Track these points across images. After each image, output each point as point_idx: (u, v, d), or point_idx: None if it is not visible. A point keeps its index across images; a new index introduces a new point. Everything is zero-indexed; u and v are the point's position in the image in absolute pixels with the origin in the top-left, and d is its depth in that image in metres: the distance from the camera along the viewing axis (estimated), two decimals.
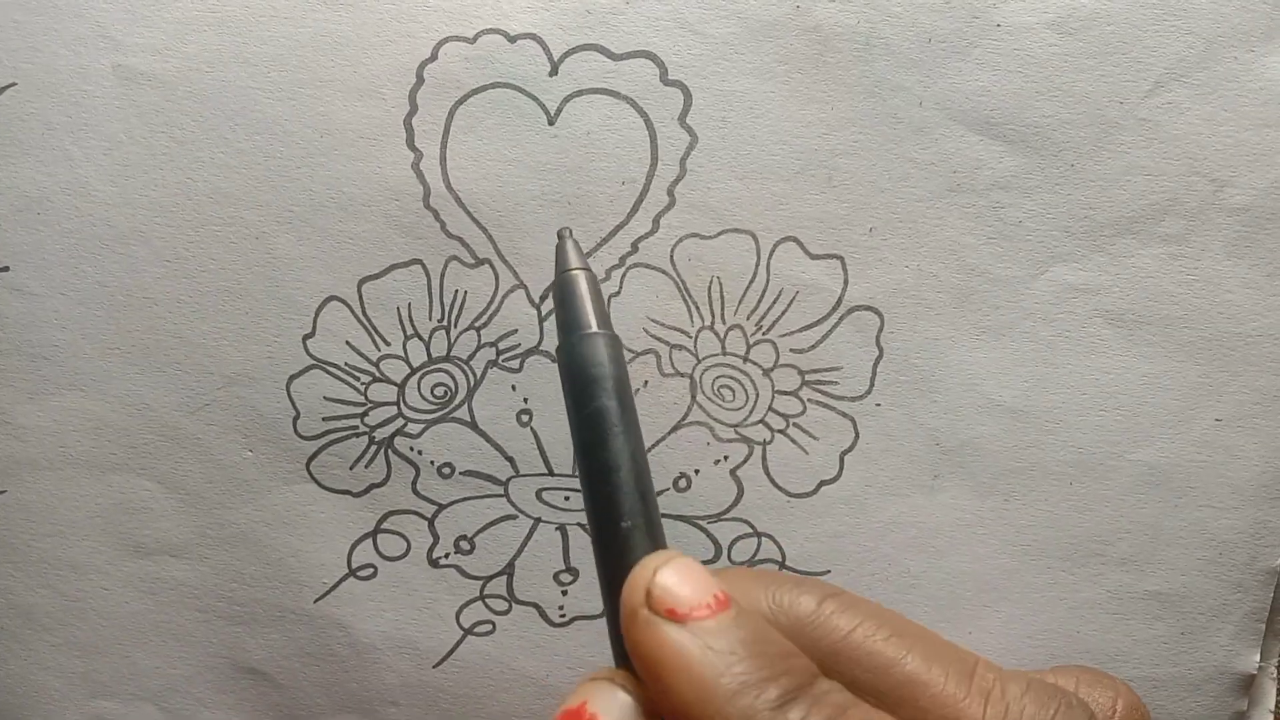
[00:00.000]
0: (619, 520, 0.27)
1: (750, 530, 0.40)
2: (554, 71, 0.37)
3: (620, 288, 0.38)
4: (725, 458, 0.39)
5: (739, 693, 0.24)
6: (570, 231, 0.32)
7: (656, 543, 0.28)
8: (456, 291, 0.39)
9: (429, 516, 0.41)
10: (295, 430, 0.40)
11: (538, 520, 0.41)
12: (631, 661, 0.25)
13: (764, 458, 0.39)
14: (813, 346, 0.38)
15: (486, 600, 0.41)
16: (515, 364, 0.39)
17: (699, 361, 0.39)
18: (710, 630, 0.25)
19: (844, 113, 0.37)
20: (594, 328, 0.30)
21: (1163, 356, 0.38)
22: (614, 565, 0.27)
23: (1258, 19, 0.35)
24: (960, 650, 0.27)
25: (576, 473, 0.40)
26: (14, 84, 0.38)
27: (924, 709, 0.25)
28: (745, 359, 0.39)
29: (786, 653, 0.25)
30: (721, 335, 0.39)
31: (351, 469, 0.41)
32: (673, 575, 0.25)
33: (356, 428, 0.40)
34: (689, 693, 0.24)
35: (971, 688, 0.25)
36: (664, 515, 0.40)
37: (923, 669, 0.26)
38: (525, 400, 0.40)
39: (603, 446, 0.28)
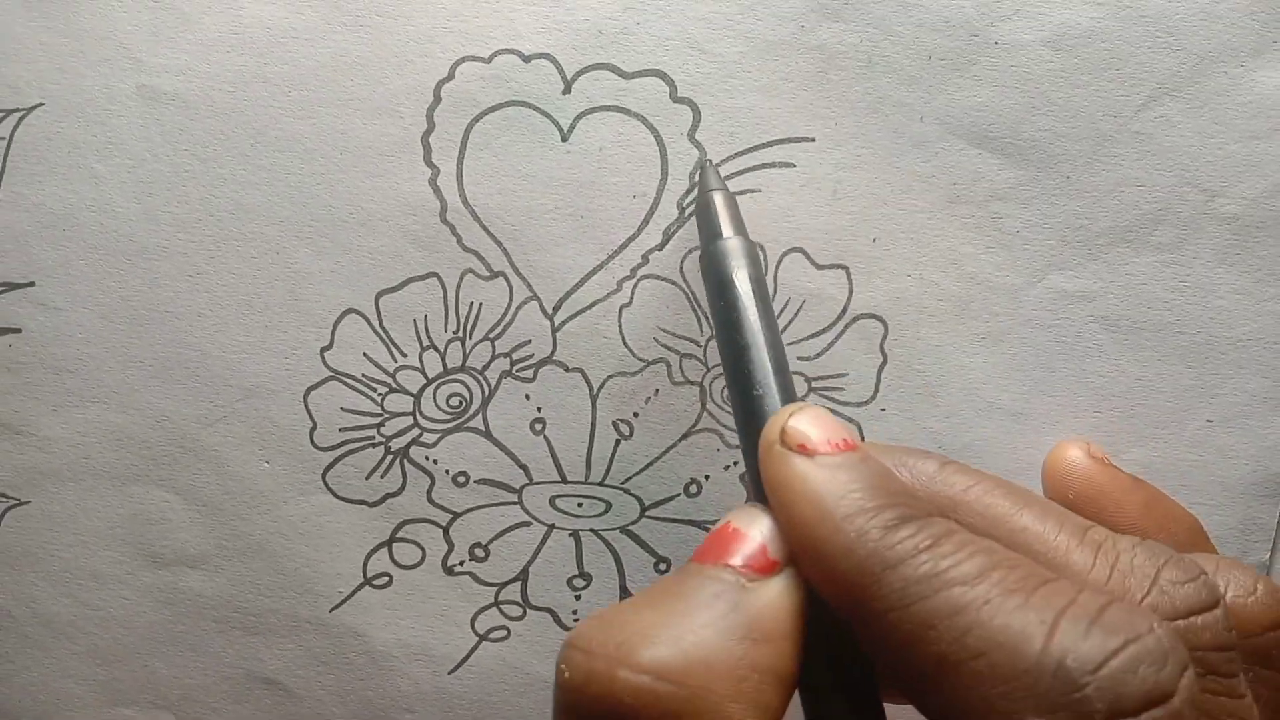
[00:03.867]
0: (752, 390, 0.31)
1: None
2: (567, 90, 0.38)
3: (631, 299, 0.39)
4: (735, 463, 0.40)
5: (854, 515, 0.25)
6: (710, 161, 0.38)
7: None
8: (472, 304, 0.40)
9: (444, 525, 0.42)
10: (312, 441, 0.41)
11: (551, 527, 0.41)
12: (766, 493, 0.28)
13: None
14: (819, 354, 0.39)
15: (501, 606, 0.42)
16: (529, 374, 0.40)
17: (708, 370, 0.40)
18: (835, 463, 0.27)
19: (847, 128, 0.38)
20: (729, 234, 0.35)
21: (1156, 360, 0.39)
22: (750, 427, 0.31)
23: (1246, 35, 0.36)
24: (1074, 514, 0.28)
25: (589, 479, 0.41)
26: (41, 104, 0.39)
27: (1036, 554, 0.26)
28: None
29: (905, 490, 0.27)
30: None
31: (367, 479, 0.41)
32: (806, 418, 0.28)
33: (373, 438, 0.41)
34: (809, 511, 0.26)
35: (1084, 540, 0.27)
36: (674, 520, 0.41)
37: (1036, 522, 0.27)
38: (539, 409, 0.40)
39: (736, 330, 0.33)
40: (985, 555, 0.25)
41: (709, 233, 0.36)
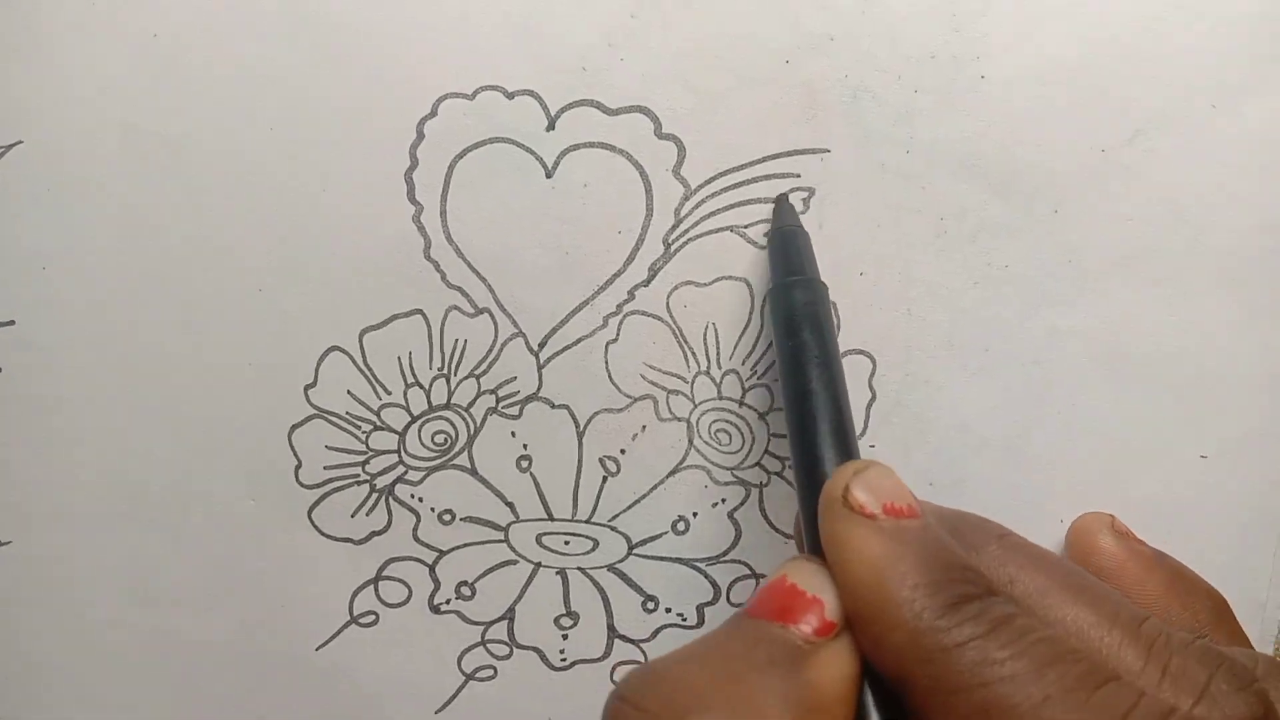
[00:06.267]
0: (815, 438, 0.30)
1: (748, 571, 0.40)
2: (551, 126, 0.38)
3: (618, 335, 0.39)
4: (723, 500, 0.40)
5: (912, 590, 0.25)
6: (788, 196, 0.37)
7: (850, 456, 0.30)
8: (456, 340, 0.39)
9: (430, 563, 0.41)
10: (297, 479, 0.41)
11: (538, 565, 0.41)
12: (823, 549, 0.27)
13: (760, 500, 0.40)
14: None
15: (488, 645, 0.42)
16: (514, 410, 0.40)
17: (695, 406, 0.39)
18: (896, 530, 0.26)
19: (834, 163, 0.38)
20: (800, 275, 0.34)
21: (1148, 395, 0.38)
22: (809, 475, 0.30)
23: (1234, 69, 0.36)
24: (1131, 603, 0.27)
25: (576, 516, 0.40)
26: (20, 142, 0.39)
27: (1088, 641, 0.26)
28: (741, 403, 0.39)
29: (965, 565, 0.26)
30: (717, 380, 0.39)
31: (353, 517, 0.41)
32: (871, 479, 0.27)
33: (358, 476, 0.41)
34: (868, 578, 0.25)
35: (1139, 633, 0.26)
36: (662, 558, 0.40)
37: (1091, 609, 0.26)
38: (525, 446, 0.40)
39: (801, 374, 0.32)
40: (1047, 646, 0.24)
41: (781, 270, 0.35)
